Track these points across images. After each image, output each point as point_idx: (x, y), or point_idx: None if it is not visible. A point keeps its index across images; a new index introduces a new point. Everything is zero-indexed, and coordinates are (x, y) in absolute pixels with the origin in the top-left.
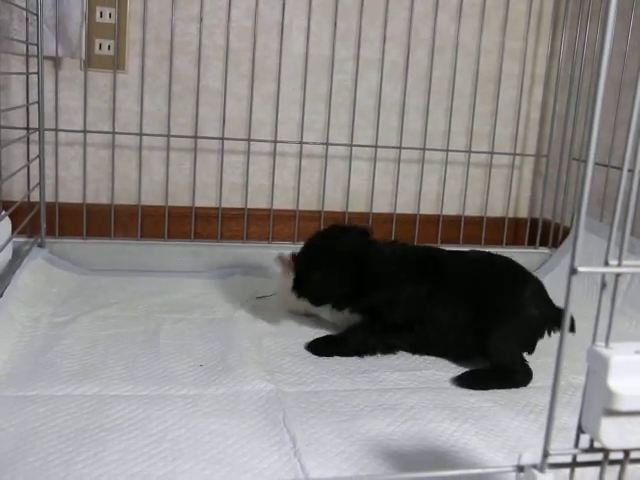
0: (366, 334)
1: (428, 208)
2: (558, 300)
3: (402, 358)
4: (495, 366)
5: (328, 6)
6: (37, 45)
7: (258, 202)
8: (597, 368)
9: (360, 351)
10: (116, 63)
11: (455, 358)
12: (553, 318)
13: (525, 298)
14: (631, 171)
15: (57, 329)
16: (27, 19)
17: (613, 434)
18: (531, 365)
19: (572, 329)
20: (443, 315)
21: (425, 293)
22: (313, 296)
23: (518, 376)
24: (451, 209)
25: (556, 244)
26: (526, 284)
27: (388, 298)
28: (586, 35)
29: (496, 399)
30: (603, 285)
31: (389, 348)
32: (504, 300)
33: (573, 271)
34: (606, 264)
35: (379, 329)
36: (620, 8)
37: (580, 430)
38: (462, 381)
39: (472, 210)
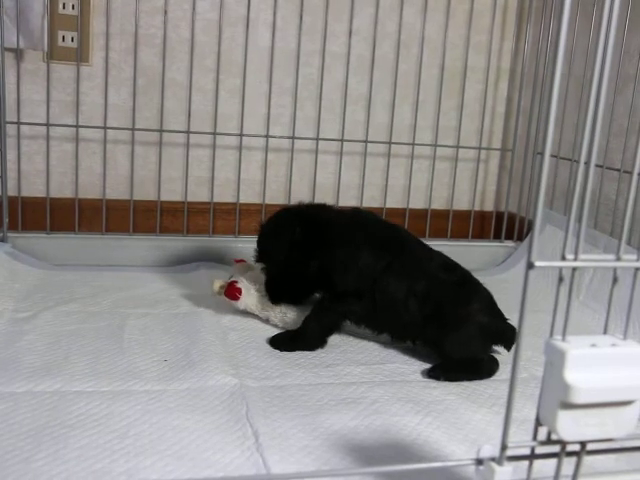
0: (320, 316)
1: (395, 201)
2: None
3: (367, 352)
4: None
5: (294, 0)
6: None
7: (224, 196)
8: (554, 361)
9: (322, 336)
10: (80, 55)
11: (403, 342)
12: (502, 331)
13: (475, 308)
14: (587, 164)
15: (19, 325)
16: None
17: (569, 426)
18: (496, 357)
19: (508, 347)
20: (395, 294)
21: (382, 266)
22: (273, 259)
23: (486, 364)
24: (418, 202)
25: (521, 237)
26: (478, 295)
27: (344, 259)
28: (550, 30)
29: (459, 392)
30: (560, 279)
31: (343, 316)
32: (456, 306)
33: (530, 265)
34: (563, 258)
35: (329, 298)
36: (582, 5)
37: (538, 422)
38: (433, 373)
39: (438, 203)
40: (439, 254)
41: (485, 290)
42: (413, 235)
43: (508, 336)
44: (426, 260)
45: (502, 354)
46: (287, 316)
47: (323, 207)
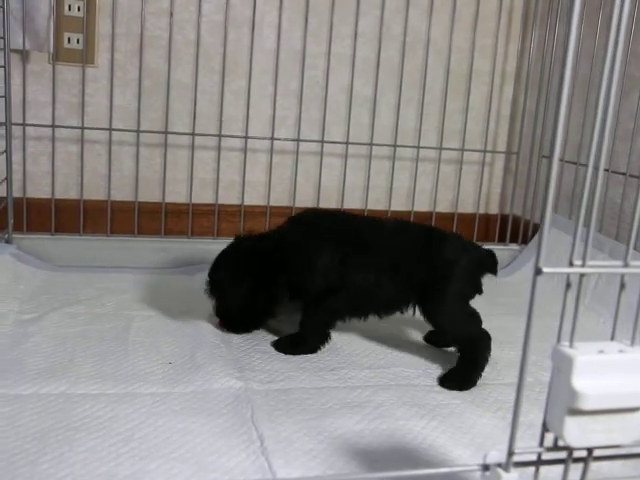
0: (311, 316)
1: (399, 204)
2: (528, 300)
3: (371, 355)
4: (456, 343)
5: (299, 2)
6: (3, 38)
7: (229, 198)
8: (561, 367)
9: (321, 333)
10: (85, 57)
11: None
12: (482, 260)
13: (449, 255)
14: (597, 169)
15: (24, 326)
16: None
17: (577, 433)
18: (500, 360)
19: (495, 272)
20: (365, 279)
21: (340, 257)
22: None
23: (480, 344)
24: (422, 205)
25: (526, 240)
26: (444, 239)
27: (302, 266)
28: (555, 33)
29: (464, 396)
30: (568, 285)
31: (330, 312)
32: (430, 265)
33: (538, 271)
34: (570, 264)
35: (311, 302)
36: (588, 8)
37: (545, 428)
38: (449, 385)
39: (443, 206)
40: (389, 219)
41: (447, 232)
42: (359, 215)
43: (490, 263)
44: (378, 231)
45: (503, 356)
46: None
47: (262, 235)
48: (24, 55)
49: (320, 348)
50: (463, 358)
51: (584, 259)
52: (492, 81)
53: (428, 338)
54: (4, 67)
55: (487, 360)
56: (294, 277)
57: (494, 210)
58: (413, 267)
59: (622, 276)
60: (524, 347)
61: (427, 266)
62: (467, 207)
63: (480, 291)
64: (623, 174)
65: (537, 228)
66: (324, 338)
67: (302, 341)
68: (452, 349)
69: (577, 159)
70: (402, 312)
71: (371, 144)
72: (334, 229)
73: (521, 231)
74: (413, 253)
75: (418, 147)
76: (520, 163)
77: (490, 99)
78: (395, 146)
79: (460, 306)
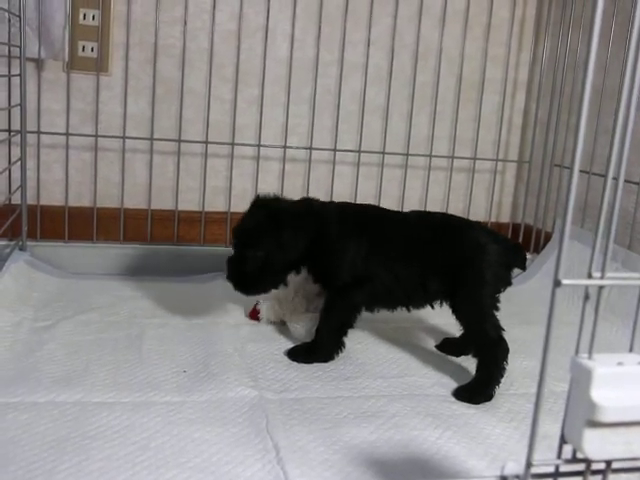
0: (328, 321)
1: None
2: (541, 308)
3: (385, 364)
4: (476, 343)
5: (312, 11)
6: (19, 47)
7: (241, 206)
8: (580, 379)
9: (335, 341)
10: (99, 65)
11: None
12: (512, 255)
13: (479, 241)
14: (615, 179)
15: (39, 334)
16: (9, 20)
17: (595, 445)
18: (514, 371)
19: (524, 267)
20: (389, 272)
21: (366, 249)
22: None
23: (498, 351)
24: None
25: (538, 249)
26: (469, 230)
27: (335, 253)
28: (568, 42)
29: (478, 406)
30: (586, 297)
31: (352, 310)
32: (459, 252)
33: (557, 283)
34: (589, 276)
35: (332, 296)
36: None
37: (563, 440)
38: (463, 398)
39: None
40: (411, 212)
41: (472, 222)
42: (383, 208)
43: (520, 256)
44: (402, 223)
45: (517, 366)
46: (298, 326)
47: (305, 201)
48: (39, 63)
49: (334, 357)
50: (480, 369)
51: (603, 271)
52: (504, 90)
53: (441, 347)
54: (20, 75)
55: (504, 369)
56: (321, 265)
57: (505, 219)
58: (440, 255)
59: None
60: (543, 360)
61: (456, 253)
62: (478, 216)
63: (509, 283)
64: (636, 183)
65: (549, 237)
66: (338, 347)
67: (316, 350)
68: (464, 358)
69: (590, 168)
70: (432, 307)
71: (383, 152)
72: (359, 222)
73: (533, 240)
74: (440, 241)
75: (430, 156)
76: (532, 172)
77: (502, 108)
78: (407, 155)
79: (490, 298)
